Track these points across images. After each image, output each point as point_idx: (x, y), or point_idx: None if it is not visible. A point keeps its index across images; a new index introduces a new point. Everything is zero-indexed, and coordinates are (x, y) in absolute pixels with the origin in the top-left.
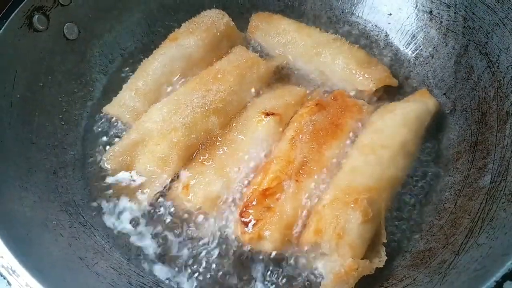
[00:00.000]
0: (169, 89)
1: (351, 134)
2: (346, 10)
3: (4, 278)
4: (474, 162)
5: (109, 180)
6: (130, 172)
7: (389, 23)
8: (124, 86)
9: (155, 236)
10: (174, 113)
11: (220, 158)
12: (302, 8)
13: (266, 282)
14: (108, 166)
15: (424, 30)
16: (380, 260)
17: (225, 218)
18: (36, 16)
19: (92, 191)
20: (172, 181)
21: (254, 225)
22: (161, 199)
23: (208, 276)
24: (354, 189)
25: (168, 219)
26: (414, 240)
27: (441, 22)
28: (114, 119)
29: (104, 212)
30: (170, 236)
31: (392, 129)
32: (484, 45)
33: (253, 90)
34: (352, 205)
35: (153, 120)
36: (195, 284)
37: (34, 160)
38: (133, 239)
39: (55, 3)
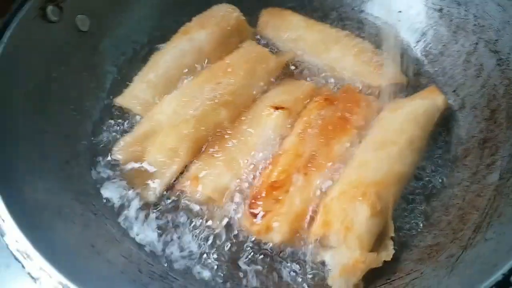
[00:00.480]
0: (179, 81)
1: (359, 129)
2: (356, 7)
3: (19, 262)
4: (483, 159)
5: (120, 170)
6: (140, 163)
7: (399, 21)
8: (136, 78)
9: (164, 226)
10: (184, 106)
11: (230, 150)
12: (312, 4)
13: (274, 274)
14: (119, 157)
15: (434, 27)
16: (387, 254)
17: (233, 210)
18: (50, 7)
19: (103, 181)
20: (181, 172)
21: (262, 216)
22: (170, 190)
23: (216, 266)
24: (362, 183)
25: (178, 210)
26: (421, 234)
27: (451, 20)
28: (125, 110)
29: (114, 202)
30: (179, 226)
31: (401, 125)
32: (494, 43)
33: (262, 84)
34: (360, 199)
35: (163, 112)
36: (203, 274)
37: (47, 149)
38: (143, 228)
39: None
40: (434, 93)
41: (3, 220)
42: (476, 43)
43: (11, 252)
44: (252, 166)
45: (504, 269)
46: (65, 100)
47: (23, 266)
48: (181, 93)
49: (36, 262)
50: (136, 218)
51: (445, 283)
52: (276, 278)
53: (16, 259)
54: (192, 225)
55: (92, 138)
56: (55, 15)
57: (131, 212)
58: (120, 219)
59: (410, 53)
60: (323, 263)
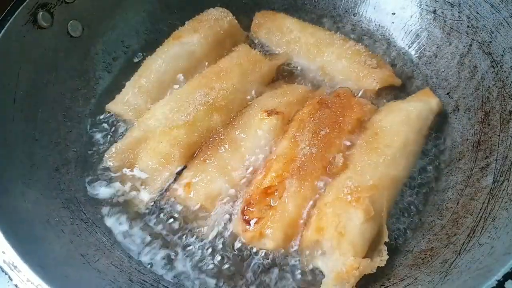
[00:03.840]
0: (172, 87)
1: (353, 132)
2: (350, 9)
3: (6, 274)
4: (477, 162)
5: (111, 177)
6: (132, 170)
7: (393, 23)
8: (127, 84)
9: (156, 233)
10: (177, 111)
11: (222, 156)
12: (305, 7)
13: (267, 280)
14: (111, 164)
15: (427, 29)
16: (381, 259)
17: (226, 216)
18: (41, 13)
19: (94, 188)
20: (174, 178)
21: (255, 223)
22: (162, 196)
23: (209, 273)
24: (356, 188)
25: (170, 217)
26: (416, 239)
27: (445, 22)
28: (117, 116)
29: (105, 210)
30: (171, 233)
31: (394, 128)
32: (487, 44)
33: (255, 88)
34: (354, 204)
35: (155, 117)
36: (196, 281)
37: (37, 156)
38: (134, 236)
39: (59, 1)
40: (428, 95)
41: None
42: (470, 45)
43: None
44: (245, 172)
45: (499, 275)
46: (56, 107)
47: (10, 278)
48: (173, 98)
49: (24, 273)
50: (127, 225)
51: None
52: (269, 285)
53: (3, 270)
54: (184, 232)
55: (83, 145)
56: (46, 21)
57: (122, 219)
58: (111, 227)
59: (404, 55)
60: (316, 270)
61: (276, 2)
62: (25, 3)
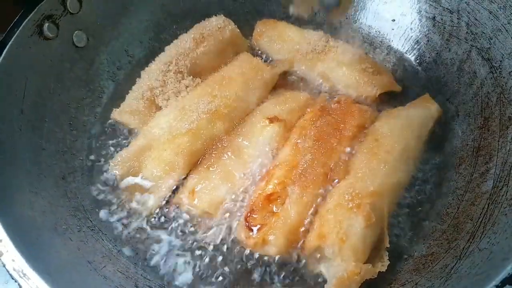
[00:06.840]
0: (175, 95)
1: (354, 139)
2: (350, 17)
3: (16, 281)
4: (477, 167)
5: (117, 185)
6: (137, 178)
7: (393, 29)
8: (131, 92)
9: (161, 240)
10: (180, 119)
11: (225, 163)
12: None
13: (269, 286)
14: (116, 172)
15: (427, 35)
16: (382, 265)
17: (230, 223)
18: (46, 24)
19: (100, 196)
20: (178, 186)
21: (258, 229)
22: (167, 204)
23: (213, 280)
24: (357, 194)
25: (174, 224)
26: (416, 244)
27: (444, 28)
28: (121, 125)
29: (111, 217)
30: (176, 240)
31: (395, 134)
32: (486, 50)
33: (258, 95)
34: (355, 210)
35: (159, 126)
36: (199, 287)
37: (44, 165)
38: (140, 243)
39: (65, 12)
40: (428, 101)
41: (0, 240)
42: (469, 51)
43: (7, 271)
44: (248, 179)
45: (497, 280)
46: (62, 116)
47: (19, 286)
48: (176, 106)
49: (33, 280)
50: (133, 232)
51: None
52: None
53: (13, 278)
54: (189, 239)
55: (89, 154)
56: (52, 32)
57: (128, 226)
58: (117, 234)
59: (404, 61)
60: (318, 275)
61: (278, 10)
62: (31, 15)
